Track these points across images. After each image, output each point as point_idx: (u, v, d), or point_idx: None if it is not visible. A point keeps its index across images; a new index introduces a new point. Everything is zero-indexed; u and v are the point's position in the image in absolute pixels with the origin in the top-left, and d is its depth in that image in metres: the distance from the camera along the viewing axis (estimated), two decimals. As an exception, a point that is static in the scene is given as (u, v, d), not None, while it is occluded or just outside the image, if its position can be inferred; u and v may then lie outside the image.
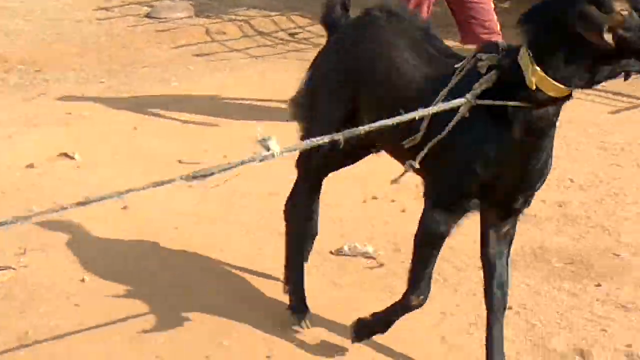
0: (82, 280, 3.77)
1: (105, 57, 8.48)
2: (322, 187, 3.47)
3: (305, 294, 3.42)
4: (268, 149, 2.45)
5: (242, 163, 2.49)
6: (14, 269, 3.82)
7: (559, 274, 3.71)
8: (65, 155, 5.23)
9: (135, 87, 7.12)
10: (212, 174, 2.50)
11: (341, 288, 3.73)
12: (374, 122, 2.57)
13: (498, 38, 4.88)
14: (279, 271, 3.62)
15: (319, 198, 3.50)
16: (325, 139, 2.52)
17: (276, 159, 2.41)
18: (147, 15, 10.12)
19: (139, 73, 7.79)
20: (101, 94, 6.83)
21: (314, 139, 2.54)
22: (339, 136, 2.52)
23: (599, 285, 3.68)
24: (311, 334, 3.36)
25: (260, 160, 2.46)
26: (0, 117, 6.00)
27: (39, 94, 6.94)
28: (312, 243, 3.60)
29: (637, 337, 3.30)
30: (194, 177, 2.54)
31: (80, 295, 3.64)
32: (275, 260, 3.76)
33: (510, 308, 3.43)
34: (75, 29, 9.51)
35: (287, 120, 3.64)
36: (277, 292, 3.59)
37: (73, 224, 4.30)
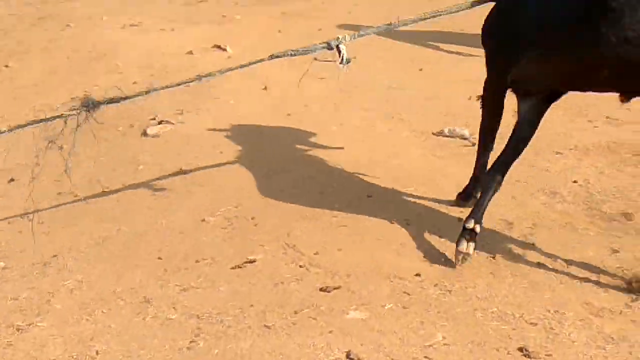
0: (227, 136, 4.63)
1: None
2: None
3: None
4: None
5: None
6: (173, 123, 4.71)
7: (625, 161, 4.32)
8: (219, 47, 6.12)
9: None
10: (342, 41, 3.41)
11: (439, 159, 4.45)
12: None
13: None
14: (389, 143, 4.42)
15: None
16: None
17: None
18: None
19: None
20: (254, 3, 7.67)
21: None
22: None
23: (657, 169, 4.29)
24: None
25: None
26: (164, 15, 6.93)
27: (199, 1, 7.84)
28: None
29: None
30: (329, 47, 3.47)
31: (222, 146, 4.50)
32: (386, 135, 4.55)
33: (575, 182, 4.14)
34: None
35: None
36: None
37: (220, 96, 5.19)
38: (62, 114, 3.29)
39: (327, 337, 2.93)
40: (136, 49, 6.16)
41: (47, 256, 3.56)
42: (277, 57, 3.77)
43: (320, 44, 3.78)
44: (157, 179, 4.20)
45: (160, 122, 4.72)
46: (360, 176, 4.19)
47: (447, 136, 4.71)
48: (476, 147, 4.19)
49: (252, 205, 3.88)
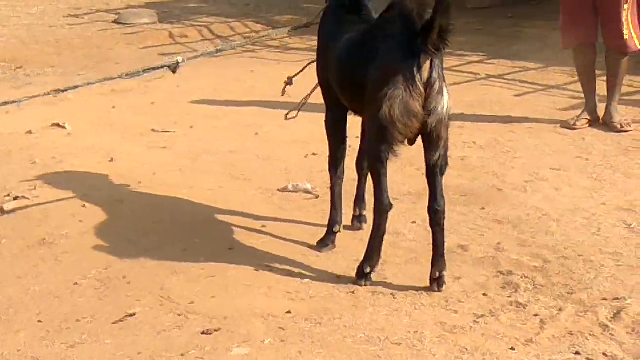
0: (83, 205, 4.82)
1: (79, 55, 9.51)
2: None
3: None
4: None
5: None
6: (28, 198, 4.87)
7: (453, 201, 4.79)
8: (57, 125, 6.29)
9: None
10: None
11: (286, 211, 4.80)
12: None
13: None
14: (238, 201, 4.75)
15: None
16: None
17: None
18: (115, 21, 11.17)
19: (112, 68, 8.79)
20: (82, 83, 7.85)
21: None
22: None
23: (482, 208, 4.79)
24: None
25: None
26: (-4, 98, 7.02)
27: (26, 84, 7.95)
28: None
29: (505, 239, 4.39)
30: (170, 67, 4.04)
31: (80, 215, 4.70)
32: (234, 194, 4.88)
33: (414, 222, 4.58)
34: (49, 33, 10.55)
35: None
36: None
37: (71, 169, 5.39)
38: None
39: (216, 372, 3.20)
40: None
41: None
42: (128, 75, 4.70)
43: (161, 64, 4.55)
44: (22, 250, 4.34)
45: (15, 198, 4.86)
46: (219, 231, 4.49)
47: (291, 191, 5.07)
48: (318, 198, 4.64)
49: (121, 266, 4.10)
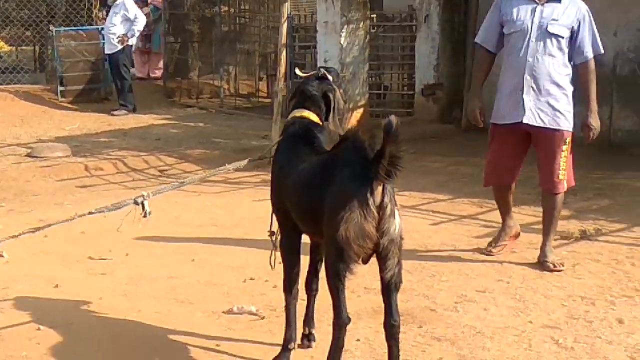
0: (38, 329, 4.95)
1: (-4, 188, 9.56)
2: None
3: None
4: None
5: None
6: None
7: (392, 320, 5.09)
8: (-6, 254, 6.40)
9: (35, 208, 8.29)
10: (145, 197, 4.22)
11: (236, 332, 5.02)
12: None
13: None
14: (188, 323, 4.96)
15: None
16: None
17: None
18: (28, 155, 11.31)
19: (33, 199, 8.95)
20: (6, 215, 7.96)
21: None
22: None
23: (420, 327, 5.11)
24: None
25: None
26: None
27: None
28: None
29: (446, 355, 4.71)
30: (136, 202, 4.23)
31: (38, 338, 4.83)
32: (182, 316, 5.09)
33: (358, 340, 4.86)
34: (-40, 168, 10.55)
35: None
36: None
37: (19, 295, 5.50)
38: None
39: None
40: None
41: None
42: (92, 213, 4.75)
43: (128, 200, 4.69)
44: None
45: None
46: (177, 350, 4.71)
47: (236, 313, 5.30)
48: (264, 319, 4.91)
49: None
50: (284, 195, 4.50)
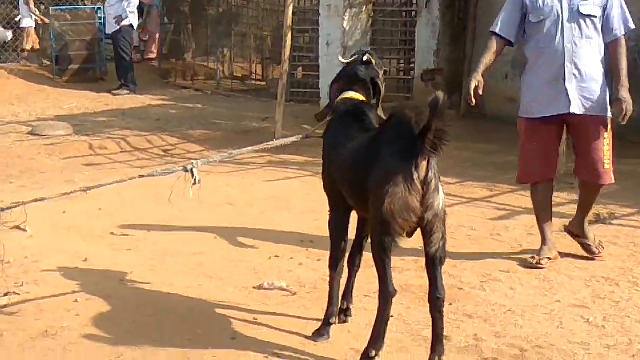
0: (76, 300, 4.99)
1: (2, 165, 9.55)
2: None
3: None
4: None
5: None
6: (18, 294, 5.01)
7: (422, 298, 5.16)
8: (18, 227, 6.39)
9: (45, 185, 8.28)
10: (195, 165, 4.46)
11: (269, 306, 5.07)
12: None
13: None
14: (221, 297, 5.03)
15: None
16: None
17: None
18: (30, 133, 11.28)
19: (41, 177, 8.94)
20: (18, 192, 7.94)
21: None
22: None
23: (450, 304, 5.17)
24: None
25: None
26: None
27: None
28: None
29: (480, 331, 4.78)
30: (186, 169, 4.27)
31: (76, 309, 4.86)
32: (214, 291, 5.14)
33: (392, 316, 4.91)
34: (-36, 146, 10.52)
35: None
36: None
37: (49, 268, 5.53)
38: None
39: None
40: None
41: None
42: (143, 176, 4.75)
43: (178, 167, 4.65)
44: (27, 341, 4.47)
45: (6, 294, 5.00)
46: (217, 323, 4.74)
47: (267, 289, 5.35)
48: (295, 295, 4.96)
49: (133, 355, 4.30)
50: (334, 171, 4.56)
